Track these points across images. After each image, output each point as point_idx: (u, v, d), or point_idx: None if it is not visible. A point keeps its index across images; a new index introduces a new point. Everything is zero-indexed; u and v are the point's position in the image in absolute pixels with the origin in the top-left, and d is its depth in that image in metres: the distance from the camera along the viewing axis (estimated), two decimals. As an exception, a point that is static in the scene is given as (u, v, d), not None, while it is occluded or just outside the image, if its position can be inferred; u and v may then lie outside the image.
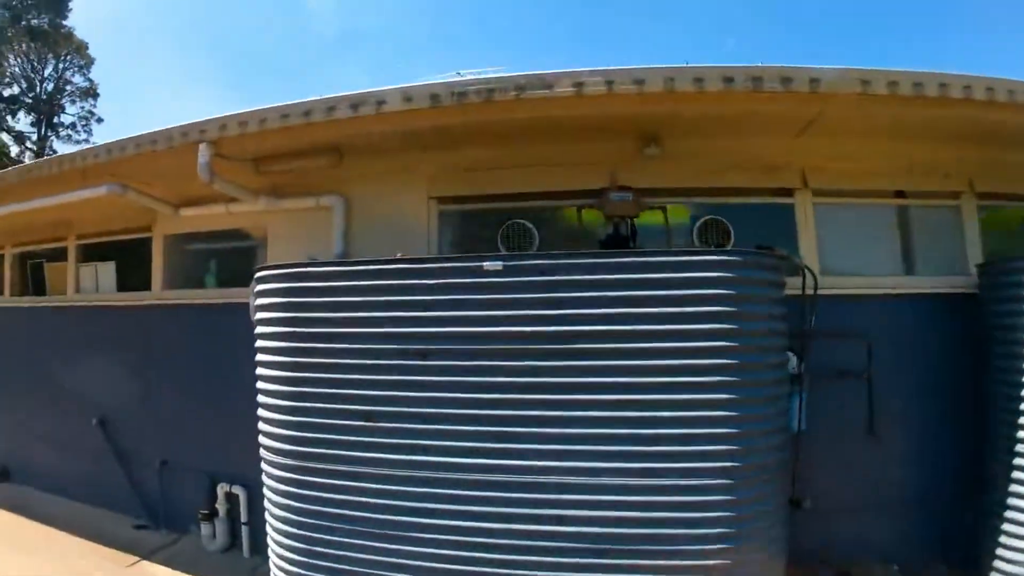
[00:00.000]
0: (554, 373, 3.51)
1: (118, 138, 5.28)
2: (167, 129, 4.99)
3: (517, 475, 3.54)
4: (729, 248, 4.74)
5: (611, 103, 4.25)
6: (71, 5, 30.48)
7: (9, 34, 29.42)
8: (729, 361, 3.38)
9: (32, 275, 7.95)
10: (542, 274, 3.59)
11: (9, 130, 30.96)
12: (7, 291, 8.16)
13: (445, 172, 5.38)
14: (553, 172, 5.07)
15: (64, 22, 30.76)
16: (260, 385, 4.21)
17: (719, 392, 3.37)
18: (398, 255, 3.96)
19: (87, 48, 31.75)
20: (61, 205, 5.89)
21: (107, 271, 6.81)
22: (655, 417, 3.39)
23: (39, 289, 7.82)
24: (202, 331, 5.96)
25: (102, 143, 5.53)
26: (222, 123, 4.76)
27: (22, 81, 31.19)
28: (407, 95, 4.42)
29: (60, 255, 7.41)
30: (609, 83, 4.15)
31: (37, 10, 30.01)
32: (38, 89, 31.44)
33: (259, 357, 4.25)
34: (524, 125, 4.69)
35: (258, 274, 4.34)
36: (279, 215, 5.70)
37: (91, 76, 32.40)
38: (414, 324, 3.72)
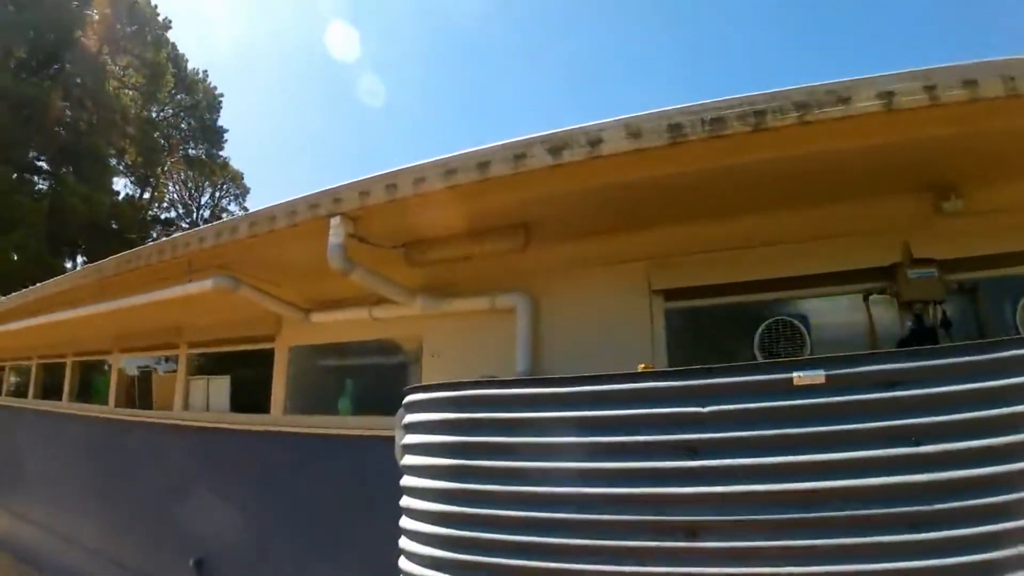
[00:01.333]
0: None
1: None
2: (290, 201, 3.72)
3: None
4: None
5: (926, 121, 2.64)
6: (226, 136, 32.77)
7: (168, 164, 31.81)
8: None
9: (139, 386, 6.96)
10: (890, 387, 1.99)
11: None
12: (112, 401, 7.18)
13: (673, 255, 3.82)
14: (819, 248, 3.55)
15: (220, 152, 33.05)
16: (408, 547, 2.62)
17: None
18: (641, 367, 2.72)
19: (242, 178, 34.01)
20: (166, 303, 4.75)
21: (220, 387, 5.63)
22: None
23: (146, 401, 6.76)
24: (333, 467, 4.52)
25: (211, 224, 4.38)
26: (363, 188, 3.41)
27: (179, 206, 33.52)
28: (633, 129, 2.87)
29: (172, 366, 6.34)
30: (930, 88, 2.51)
31: (195, 141, 32.39)
32: (195, 215, 33.65)
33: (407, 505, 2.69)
34: (782, 175, 3.14)
35: (410, 397, 2.84)
36: (438, 321, 4.28)
37: (247, 204, 34.55)
38: (674, 480, 2.09)
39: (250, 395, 5.41)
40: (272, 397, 5.02)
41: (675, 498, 2.07)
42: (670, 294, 3.83)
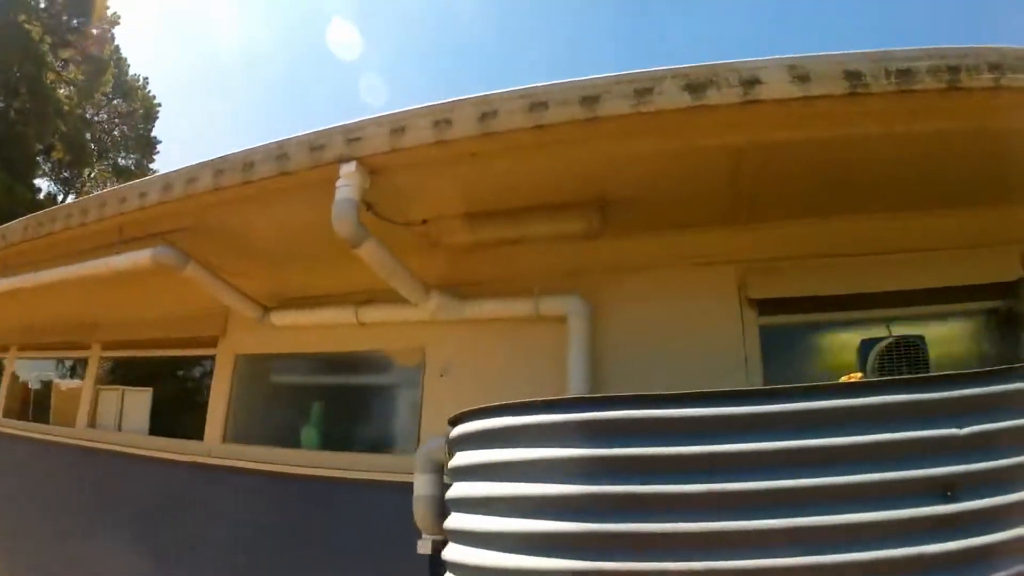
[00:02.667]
0: None
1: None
2: (280, 142, 2.66)
3: None
4: None
5: None
6: (159, 148, 30.59)
7: (96, 170, 29.39)
8: None
9: (36, 396, 5.51)
10: None
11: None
12: None
13: (772, 259, 3.00)
14: (933, 260, 2.97)
15: (151, 164, 30.77)
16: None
17: None
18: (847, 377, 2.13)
19: (172, 191, 31.68)
20: (84, 283, 3.51)
21: (138, 402, 4.32)
22: None
23: (43, 415, 5.34)
24: (290, 519, 3.32)
25: (156, 175, 3.23)
26: (398, 122, 2.39)
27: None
28: (799, 71, 2.10)
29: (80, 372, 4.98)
30: None
31: (126, 149, 30.10)
32: (122, 229, 31.11)
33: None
34: (934, 156, 2.51)
35: (483, 423, 1.86)
36: (451, 330, 3.25)
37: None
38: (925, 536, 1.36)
39: (177, 415, 4.15)
40: (208, 420, 3.77)
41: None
42: (767, 306, 2.98)
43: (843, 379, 2.11)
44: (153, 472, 3.83)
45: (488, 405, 1.85)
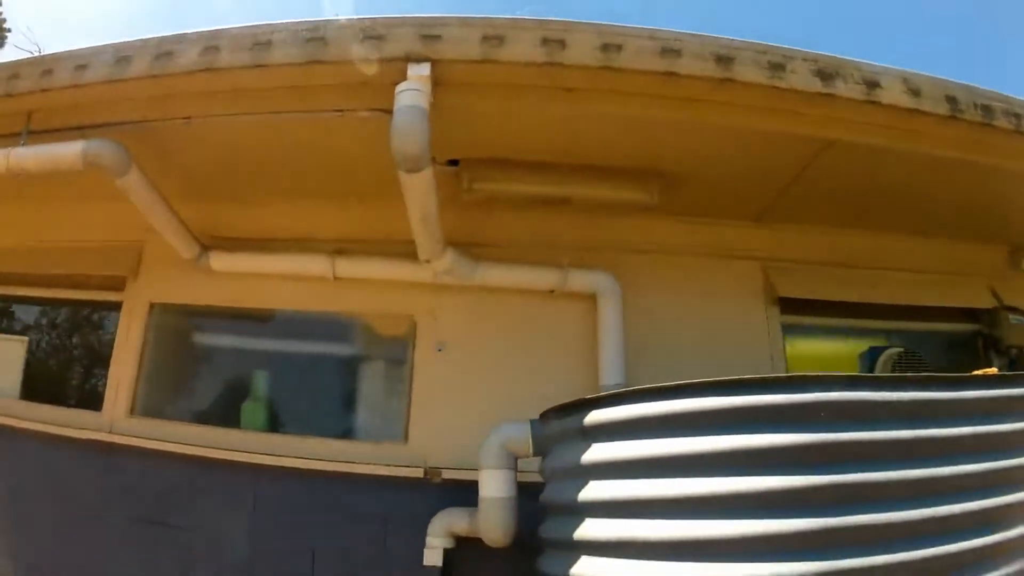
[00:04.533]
0: None
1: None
2: (315, 23, 2.07)
3: None
4: None
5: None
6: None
7: None
8: None
9: None
10: None
11: None
12: None
13: (791, 261, 3.02)
14: (924, 281, 3.20)
15: None
16: None
17: None
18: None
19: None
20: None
21: (7, 355, 3.24)
22: None
23: None
24: (226, 519, 2.60)
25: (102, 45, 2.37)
26: (494, 30, 1.98)
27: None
28: (912, 84, 2.21)
29: None
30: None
31: None
32: None
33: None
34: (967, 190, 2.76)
35: (598, 414, 1.50)
36: (456, 297, 2.80)
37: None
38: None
39: (63, 378, 3.19)
40: (110, 385, 2.89)
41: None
42: (791, 306, 2.95)
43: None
44: (27, 452, 2.85)
45: (639, 387, 1.51)
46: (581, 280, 2.70)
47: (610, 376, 2.55)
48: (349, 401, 2.86)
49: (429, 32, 1.96)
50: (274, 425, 2.82)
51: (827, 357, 3.21)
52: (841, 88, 2.06)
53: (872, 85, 2.10)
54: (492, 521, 1.95)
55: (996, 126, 2.28)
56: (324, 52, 2.01)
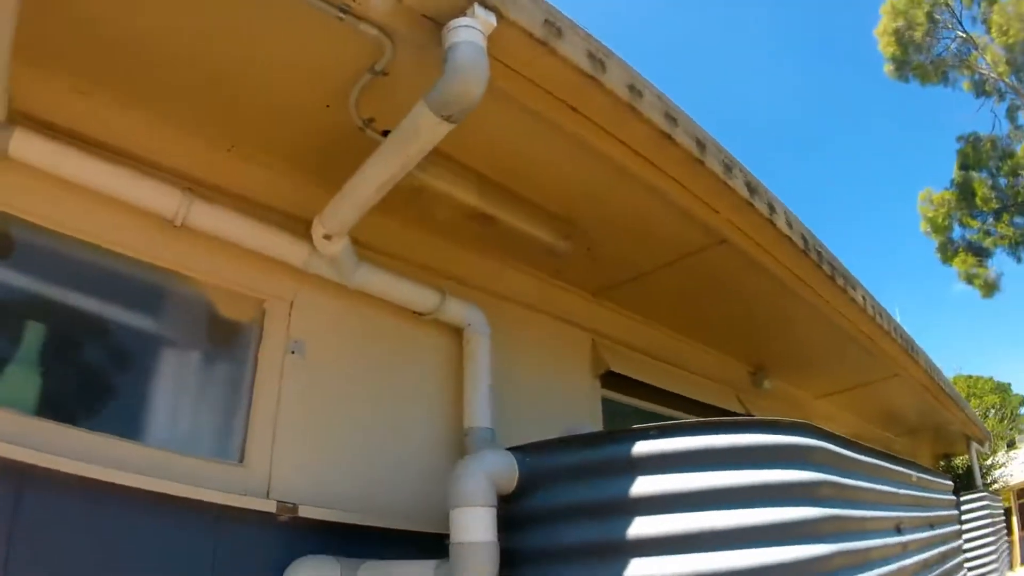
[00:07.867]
0: None
1: None
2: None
3: None
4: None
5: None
6: None
7: None
8: None
9: None
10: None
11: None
12: None
13: (617, 344, 3.45)
14: (704, 384, 4.09)
15: None
16: None
17: None
18: None
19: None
20: None
21: None
22: None
23: None
24: None
25: None
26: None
27: None
28: (791, 218, 2.83)
29: None
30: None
31: None
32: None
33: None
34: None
35: (659, 443, 1.64)
36: (321, 294, 2.39)
37: None
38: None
39: None
40: None
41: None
42: (608, 382, 3.33)
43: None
44: None
45: (688, 421, 1.63)
46: (457, 310, 2.60)
47: (478, 417, 2.46)
48: (170, 396, 2.13)
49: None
50: (51, 409, 1.89)
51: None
52: (757, 201, 2.55)
53: (771, 209, 2.65)
54: (473, 570, 1.55)
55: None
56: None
